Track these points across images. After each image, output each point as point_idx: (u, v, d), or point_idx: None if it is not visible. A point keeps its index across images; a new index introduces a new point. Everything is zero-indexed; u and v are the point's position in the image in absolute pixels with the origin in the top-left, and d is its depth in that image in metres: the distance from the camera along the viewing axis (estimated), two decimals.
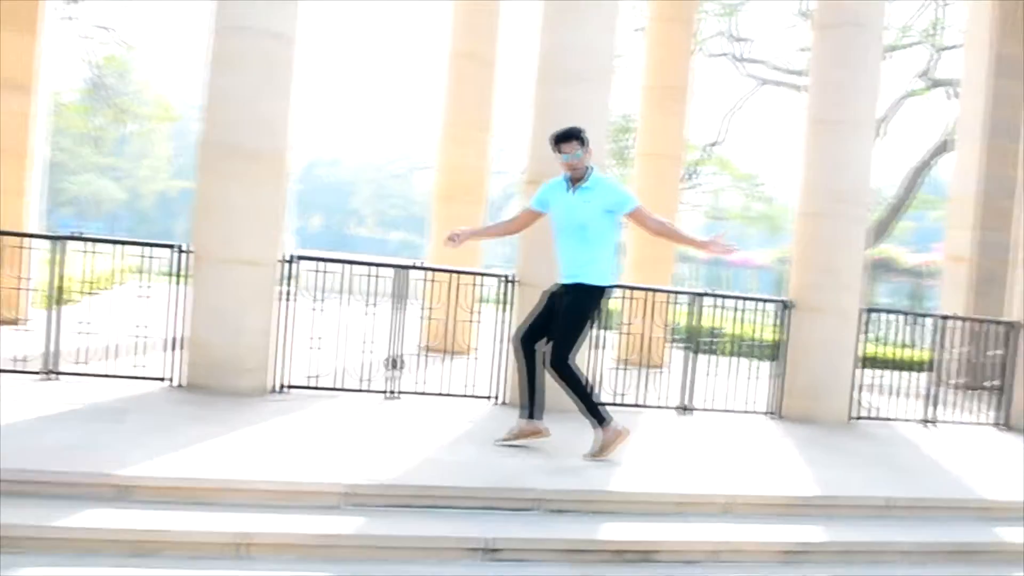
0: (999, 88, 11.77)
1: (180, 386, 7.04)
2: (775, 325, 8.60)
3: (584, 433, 6.31)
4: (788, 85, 25.02)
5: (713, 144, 26.59)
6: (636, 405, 7.94)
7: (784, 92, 26.06)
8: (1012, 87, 11.50)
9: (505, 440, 6.24)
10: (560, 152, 6.07)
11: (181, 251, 7.14)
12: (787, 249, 33.01)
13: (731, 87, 35.02)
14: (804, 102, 8.69)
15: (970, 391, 9.40)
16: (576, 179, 6.12)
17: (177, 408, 6.43)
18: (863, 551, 5.39)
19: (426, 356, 7.93)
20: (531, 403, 6.30)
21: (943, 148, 22.52)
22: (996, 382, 9.34)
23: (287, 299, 7.28)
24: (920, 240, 41.96)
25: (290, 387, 7.29)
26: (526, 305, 7.59)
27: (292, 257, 7.31)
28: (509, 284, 7.77)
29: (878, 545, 5.46)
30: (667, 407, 8.11)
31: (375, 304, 7.46)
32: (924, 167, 23.66)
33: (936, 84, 22.65)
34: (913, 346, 9.97)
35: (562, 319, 6.08)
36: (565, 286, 6.14)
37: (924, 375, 9.76)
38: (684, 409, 8.10)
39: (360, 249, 60.16)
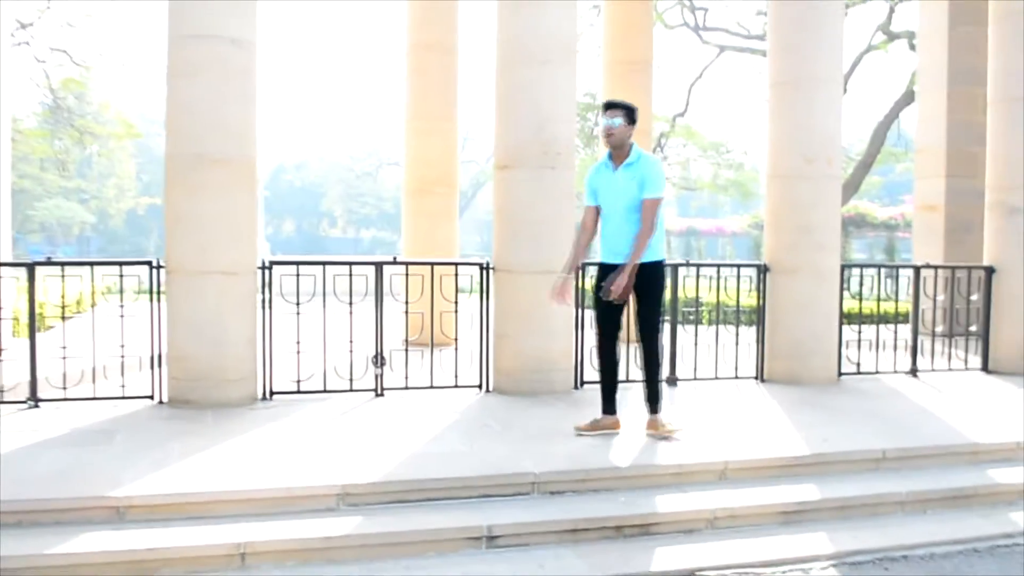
0: (958, 35, 11.80)
1: (165, 402, 7.00)
2: (751, 290, 8.64)
3: (570, 415, 6.32)
4: (748, 50, 25.07)
5: (679, 115, 26.64)
6: (622, 381, 7.91)
7: (745, 58, 26.14)
8: (971, 33, 11.51)
9: (584, 430, 6.25)
10: (604, 118, 6.17)
11: (156, 267, 7.08)
12: (759, 214, 33.29)
13: (692, 57, 35.06)
14: (766, 65, 8.69)
15: (951, 338, 9.47)
16: (620, 157, 6.15)
17: (165, 424, 6.40)
18: (860, 505, 5.44)
19: (409, 351, 7.91)
20: (611, 398, 6.40)
21: (907, 100, 22.61)
22: (976, 327, 9.42)
23: (266, 306, 7.25)
24: (889, 194, 42.30)
25: (276, 394, 7.26)
26: (504, 293, 7.61)
27: (267, 263, 7.28)
28: (487, 272, 7.76)
29: (874, 498, 5.50)
30: None
31: (354, 303, 7.43)
32: (889, 121, 23.76)
33: (894, 37, 22.73)
34: (892, 299, 10.04)
35: (647, 301, 6.18)
36: (616, 265, 6.15)
37: (905, 327, 9.83)
38: (670, 381, 8.11)
39: (333, 250, 60.14)
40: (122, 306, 7.10)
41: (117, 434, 6.06)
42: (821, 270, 8.32)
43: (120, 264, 7.33)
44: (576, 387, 7.73)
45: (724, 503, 5.25)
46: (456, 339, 7.89)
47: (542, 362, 7.56)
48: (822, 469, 5.77)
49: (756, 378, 8.42)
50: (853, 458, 5.89)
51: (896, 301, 9.95)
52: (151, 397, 7.03)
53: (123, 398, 7.00)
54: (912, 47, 22.00)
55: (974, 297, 9.39)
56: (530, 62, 7.49)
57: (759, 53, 24.48)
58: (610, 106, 6.19)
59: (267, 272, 7.26)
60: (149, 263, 7.13)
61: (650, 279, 6.17)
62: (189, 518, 4.70)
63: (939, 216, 12.01)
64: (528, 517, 4.94)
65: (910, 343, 9.05)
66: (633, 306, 6.25)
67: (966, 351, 9.35)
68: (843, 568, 4.80)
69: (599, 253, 6.33)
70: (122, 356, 7.15)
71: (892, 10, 22.37)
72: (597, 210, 6.30)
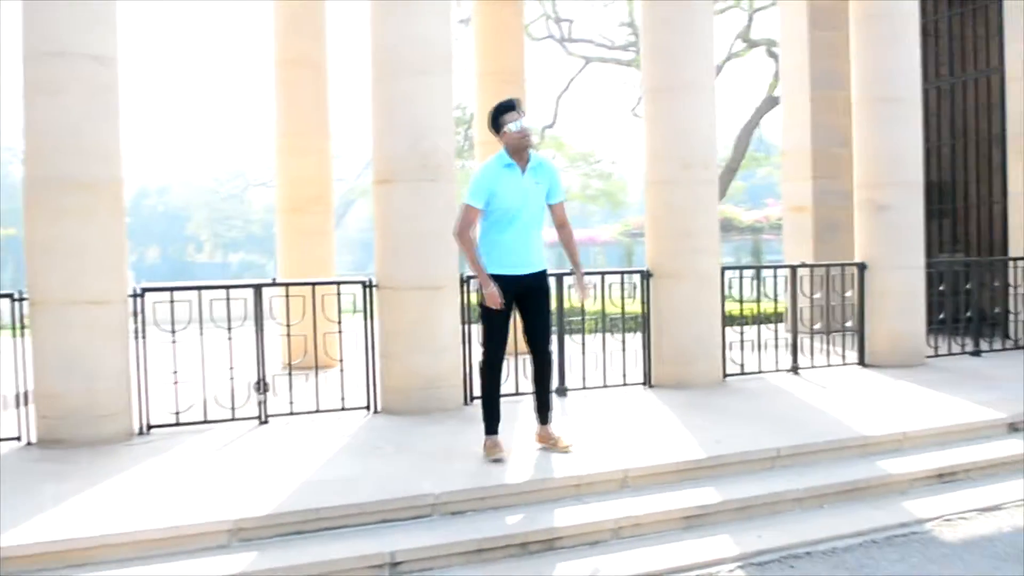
0: (818, 40, 12.16)
1: (33, 443, 6.57)
2: (633, 297, 8.68)
3: (462, 432, 6.23)
4: (613, 61, 25.47)
5: (547, 127, 26.87)
6: (513, 394, 7.81)
7: (610, 68, 26.58)
8: (831, 37, 11.88)
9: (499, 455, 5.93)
10: (517, 120, 5.84)
11: (18, 299, 6.66)
12: (629, 222, 33.79)
13: (558, 69, 35.52)
14: (639, 73, 8.76)
15: (829, 335, 9.69)
16: (524, 160, 5.91)
17: (35, 467, 5.99)
18: (760, 504, 5.48)
19: (293, 375, 7.65)
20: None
21: (768, 106, 23.29)
22: (851, 323, 9.67)
23: (139, 336, 6.90)
24: (752, 198, 43.48)
25: (154, 427, 6.91)
26: (389, 310, 7.43)
27: (139, 290, 6.94)
28: (370, 289, 7.57)
29: (773, 496, 5.55)
30: None
31: (233, 329, 7.15)
32: (752, 126, 24.44)
33: (753, 44, 23.40)
34: (770, 299, 10.22)
35: (546, 310, 6.12)
36: (537, 275, 6.03)
37: (782, 325, 10.03)
38: (560, 391, 8.05)
39: (202, 275, 58.43)
40: None
41: None
42: (702, 274, 8.41)
43: None
44: (466, 403, 7.61)
45: (627, 512, 5.21)
46: (341, 360, 7.67)
47: (431, 379, 7.40)
48: (720, 471, 5.79)
49: (644, 384, 8.44)
50: (749, 458, 5.94)
51: (775, 301, 10.14)
52: (18, 439, 6.60)
53: None
54: (771, 54, 22.71)
55: (848, 294, 9.63)
56: (407, 72, 7.33)
57: (624, 64, 24.90)
58: (516, 107, 5.91)
59: (139, 300, 6.92)
60: (11, 296, 6.70)
61: (546, 286, 6.14)
62: (70, 566, 4.40)
63: (808, 217, 12.33)
64: (431, 540, 4.79)
65: (790, 342, 9.24)
66: (521, 317, 6.12)
67: (843, 347, 9.60)
68: (750, 569, 4.80)
69: (501, 264, 5.93)
70: None
71: (751, 18, 23.03)
72: (480, 214, 5.92)
